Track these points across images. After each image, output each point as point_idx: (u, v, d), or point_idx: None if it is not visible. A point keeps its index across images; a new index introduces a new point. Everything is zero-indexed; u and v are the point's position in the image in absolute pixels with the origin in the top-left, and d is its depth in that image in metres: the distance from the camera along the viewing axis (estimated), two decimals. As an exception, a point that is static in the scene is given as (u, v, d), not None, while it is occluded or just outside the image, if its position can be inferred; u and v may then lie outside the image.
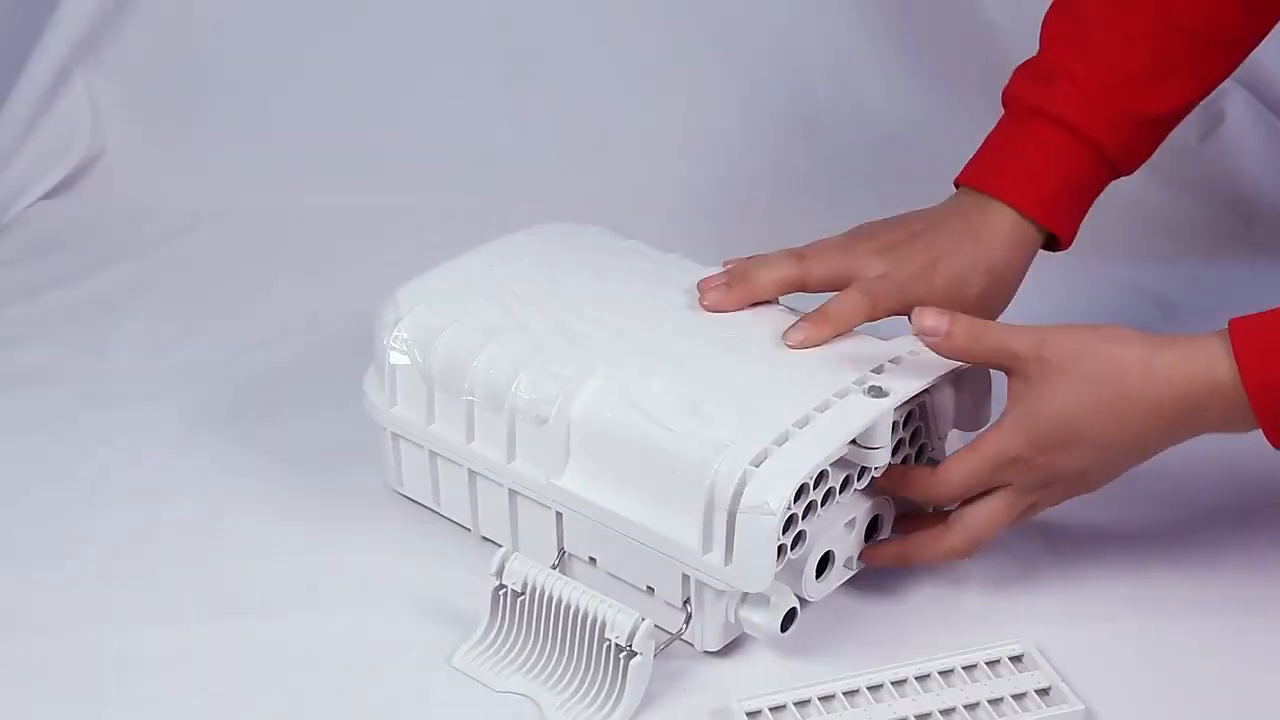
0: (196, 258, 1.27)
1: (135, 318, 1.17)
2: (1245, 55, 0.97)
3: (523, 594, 0.82)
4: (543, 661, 0.81)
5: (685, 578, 0.80)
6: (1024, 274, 0.93)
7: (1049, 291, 1.20)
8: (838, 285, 0.89)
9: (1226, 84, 1.36)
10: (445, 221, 1.30)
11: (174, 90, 1.40)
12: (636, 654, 0.77)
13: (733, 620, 0.81)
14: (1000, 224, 0.91)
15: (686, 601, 0.81)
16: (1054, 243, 0.94)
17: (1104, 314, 1.16)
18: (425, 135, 1.40)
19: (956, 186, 0.94)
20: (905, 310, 0.85)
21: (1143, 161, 0.96)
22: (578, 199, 1.33)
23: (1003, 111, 0.96)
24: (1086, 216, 1.24)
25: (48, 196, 1.35)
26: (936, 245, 0.90)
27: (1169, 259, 1.24)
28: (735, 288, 0.89)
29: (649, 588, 0.82)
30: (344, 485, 0.96)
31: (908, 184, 1.09)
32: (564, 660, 0.80)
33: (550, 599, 0.80)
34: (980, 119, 0.98)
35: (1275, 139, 1.34)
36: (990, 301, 0.91)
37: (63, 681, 0.81)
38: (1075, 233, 0.95)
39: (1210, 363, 0.78)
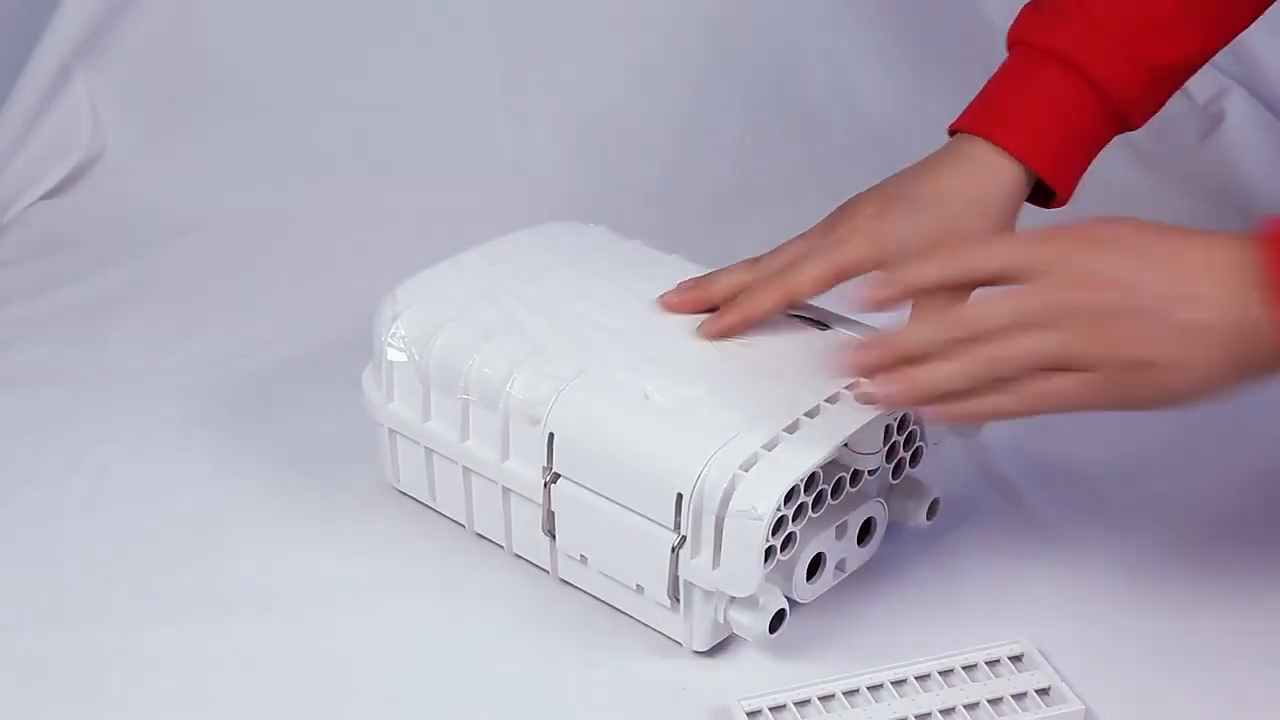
0: (196, 257, 1.27)
1: (135, 317, 1.17)
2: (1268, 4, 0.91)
3: None
4: None
5: (674, 577, 0.80)
6: (1017, 209, 0.87)
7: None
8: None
9: (1226, 84, 1.37)
10: (445, 221, 1.30)
11: (174, 90, 1.41)
12: None
13: (722, 621, 0.81)
14: (989, 166, 0.85)
15: (675, 598, 0.81)
16: (1049, 198, 0.89)
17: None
18: (425, 135, 1.40)
19: (950, 135, 0.89)
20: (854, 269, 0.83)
21: (1151, 115, 0.90)
22: (577, 197, 1.33)
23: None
24: (1092, 212, 1.22)
25: (48, 196, 1.35)
26: (903, 198, 0.85)
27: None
28: (691, 290, 0.88)
29: (638, 586, 0.82)
30: (343, 484, 0.96)
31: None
32: None
33: None
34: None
35: (1274, 138, 1.34)
36: (983, 206, 0.85)
37: (62, 680, 0.81)
38: (1073, 188, 0.89)
39: (1234, 242, 0.72)
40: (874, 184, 0.88)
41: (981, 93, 0.88)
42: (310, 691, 0.81)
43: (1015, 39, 0.89)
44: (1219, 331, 0.70)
